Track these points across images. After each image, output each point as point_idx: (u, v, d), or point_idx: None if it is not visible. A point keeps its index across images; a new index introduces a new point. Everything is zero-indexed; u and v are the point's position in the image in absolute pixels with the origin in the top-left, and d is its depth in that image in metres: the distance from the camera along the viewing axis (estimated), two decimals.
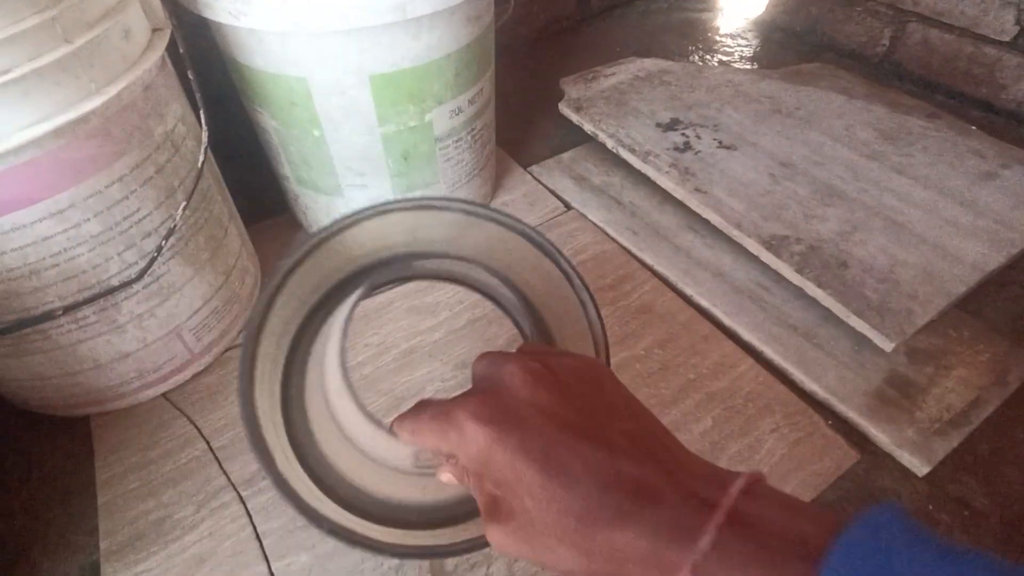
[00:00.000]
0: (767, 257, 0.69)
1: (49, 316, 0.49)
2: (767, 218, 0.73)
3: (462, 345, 0.67)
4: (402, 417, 0.29)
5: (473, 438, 0.24)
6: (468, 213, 0.37)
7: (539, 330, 0.40)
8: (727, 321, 0.68)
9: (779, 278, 0.70)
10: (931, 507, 0.54)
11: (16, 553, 0.52)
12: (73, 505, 0.55)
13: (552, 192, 0.87)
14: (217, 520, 0.53)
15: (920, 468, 0.55)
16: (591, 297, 0.38)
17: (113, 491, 0.55)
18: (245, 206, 0.70)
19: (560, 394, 0.25)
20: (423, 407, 0.28)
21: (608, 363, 0.36)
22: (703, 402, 0.61)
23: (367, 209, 0.35)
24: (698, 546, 0.20)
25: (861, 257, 0.68)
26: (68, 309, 0.49)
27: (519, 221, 0.37)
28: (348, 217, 0.35)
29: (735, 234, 0.72)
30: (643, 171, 0.82)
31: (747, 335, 0.66)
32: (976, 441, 0.57)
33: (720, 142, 0.86)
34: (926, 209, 0.74)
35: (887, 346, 0.60)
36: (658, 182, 0.81)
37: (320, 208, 0.73)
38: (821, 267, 0.67)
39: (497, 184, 0.87)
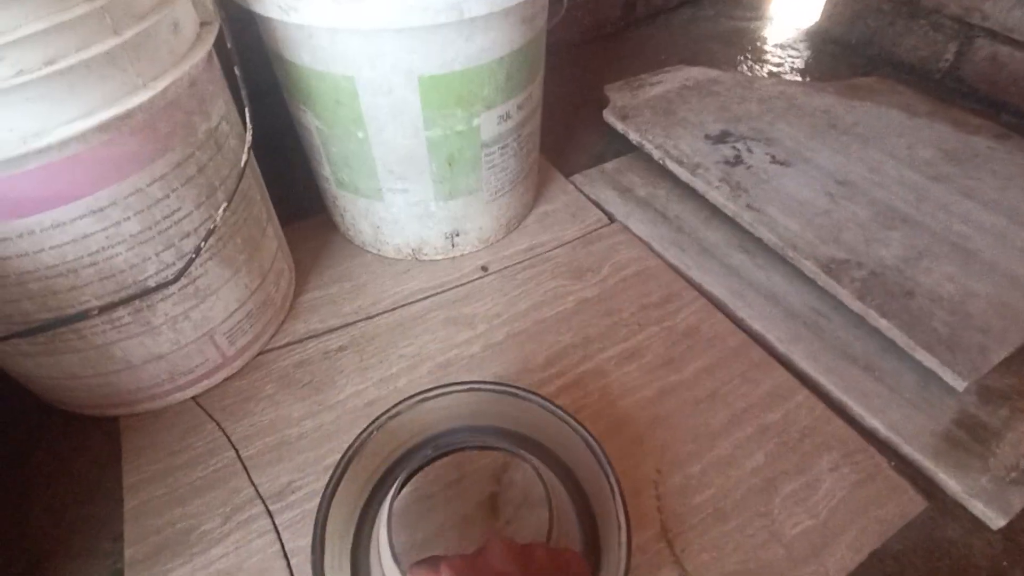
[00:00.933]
0: (825, 281, 0.65)
1: (85, 316, 0.47)
2: (824, 240, 0.69)
3: (500, 360, 0.64)
4: (414, 569, 0.32)
5: None
6: (516, 396, 0.51)
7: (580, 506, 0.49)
8: (781, 348, 0.64)
9: (837, 304, 0.66)
10: (1006, 563, 0.50)
11: (38, 557, 0.51)
12: (99, 509, 0.53)
13: (595, 203, 0.84)
14: (244, 534, 0.51)
15: (995, 520, 0.51)
16: (623, 499, 0.45)
17: (139, 496, 0.53)
18: (281, 206, 0.69)
19: (523, 572, 0.29)
20: (431, 561, 0.32)
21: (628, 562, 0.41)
22: (755, 435, 0.57)
23: (431, 390, 0.51)
24: None
25: (928, 286, 0.64)
26: (104, 309, 0.48)
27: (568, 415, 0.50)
28: (411, 398, 0.50)
29: (790, 255, 0.68)
30: (691, 184, 0.79)
31: (802, 364, 0.63)
32: None
33: (773, 157, 0.82)
34: (997, 236, 0.70)
35: (959, 385, 0.56)
36: (707, 196, 0.77)
37: (359, 211, 0.71)
38: (885, 295, 0.63)
39: (539, 193, 0.84)
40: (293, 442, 0.57)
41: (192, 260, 0.50)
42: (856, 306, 0.63)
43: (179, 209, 0.48)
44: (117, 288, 0.48)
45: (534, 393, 0.51)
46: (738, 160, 0.81)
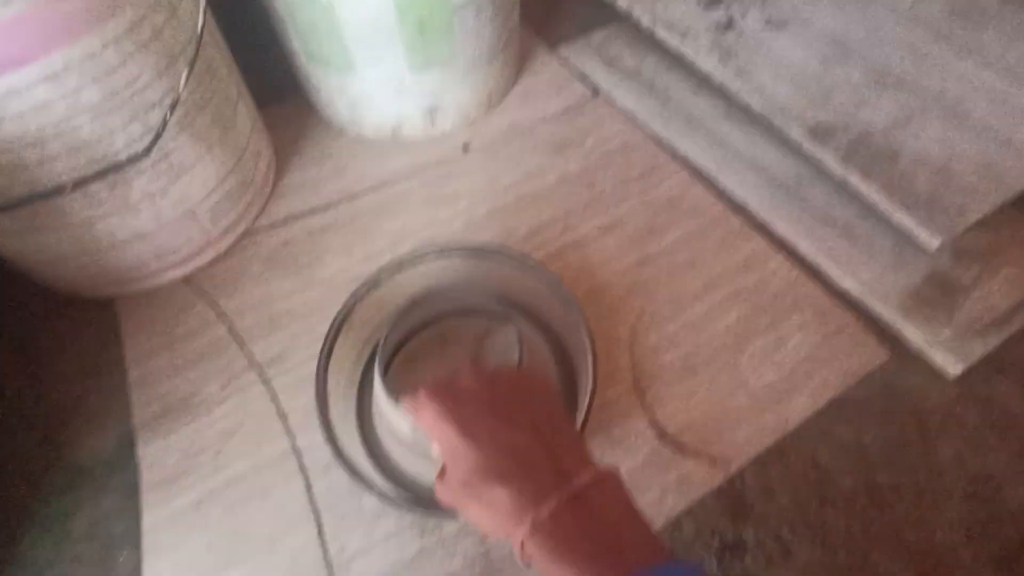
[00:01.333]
0: (811, 147, 0.64)
1: (59, 191, 0.47)
2: (814, 104, 0.67)
3: (481, 235, 0.64)
4: (402, 399, 0.36)
5: (426, 410, 0.32)
6: (484, 252, 0.53)
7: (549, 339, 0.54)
8: (761, 215, 0.65)
9: (821, 171, 0.65)
10: (959, 408, 0.53)
11: (57, 423, 0.54)
12: (105, 380, 0.57)
13: (580, 75, 0.80)
14: (242, 398, 0.54)
15: (952, 369, 0.53)
16: (588, 327, 0.48)
17: (142, 368, 0.56)
18: (256, 89, 0.66)
19: (491, 387, 0.32)
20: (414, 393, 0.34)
21: (595, 384, 0.45)
22: (729, 298, 0.59)
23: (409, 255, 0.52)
24: (540, 510, 0.27)
25: (915, 148, 0.63)
26: (78, 184, 0.48)
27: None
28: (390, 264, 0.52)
29: (777, 122, 0.67)
30: (680, 52, 0.75)
31: (781, 230, 0.63)
32: (1017, 344, 0.55)
33: (768, 19, 0.77)
34: (994, 97, 0.67)
35: (933, 244, 0.56)
36: (696, 64, 0.74)
37: (332, 88, 0.68)
38: (869, 158, 0.62)
39: (521, 66, 0.81)
40: (283, 315, 0.59)
41: (160, 133, 0.50)
42: (839, 170, 0.62)
43: (139, 77, 0.47)
44: (88, 162, 0.48)
45: (500, 248, 0.53)
46: (730, 24, 0.77)
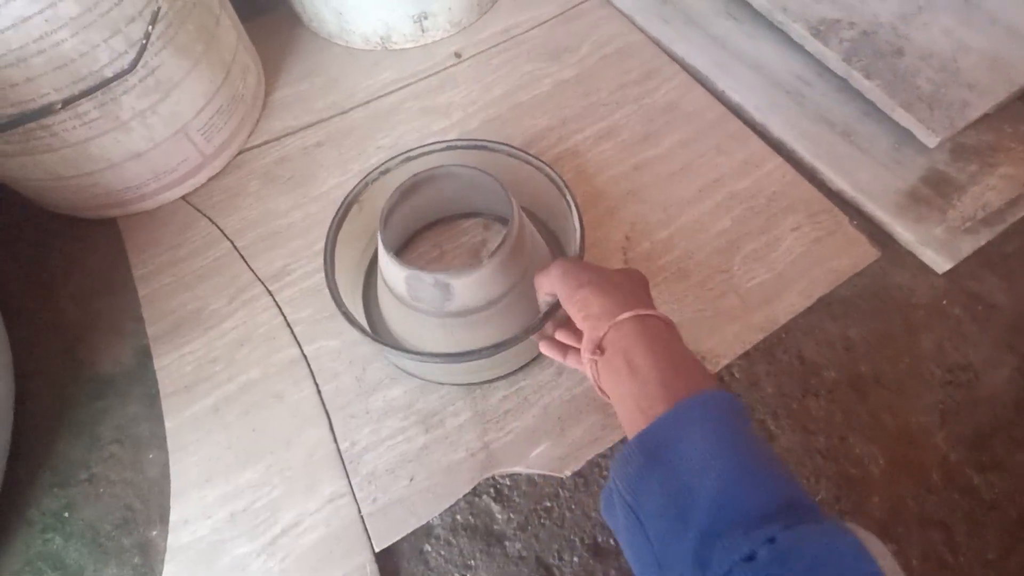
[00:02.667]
0: (813, 45, 0.62)
1: (49, 110, 0.47)
2: None
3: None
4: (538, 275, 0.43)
5: (555, 269, 0.40)
6: (487, 149, 0.54)
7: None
8: (758, 117, 0.63)
9: (823, 70, 0.63)
10: (945, 302, 0.54)
11: (74, 338, 0.57)
12: (117, 297, 0.59)
13: None
14: (250, 310, 0.56)
15: (941, 265, 0.54)
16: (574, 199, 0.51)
17: (150, 285, 0.58)
18: (237, 1, 0.64)
19: (594, 269, 0.40)
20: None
21: (583, 247, 0.50)
22: (723, 202, 0.59)
23: (414, 149, 0.53)
24: (620, 317, 0.35)
25: (921, 43, 0.60)
26: (67, 102, 0.48)
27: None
28: (396, 157, 0.53)
29: (779, 19, 0.64)
30: None
31: (778, 132, 0.62)
32: (1006, 240, 0.56)
33: None
34: None
35: (931, 141, 0.55)
36: None
37: None
38: (872, 55, 0.60)
39: None
40: (283, 231, 0.60)
41: (144, 47, 0.49)
42: (841, 68, 0.60)
43: None
44: (74, 79, 0.47)
45: (503, 144, 0.53)
46: None
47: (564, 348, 0.46)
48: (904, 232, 0.56)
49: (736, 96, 0.65)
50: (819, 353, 0.52)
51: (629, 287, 0.38)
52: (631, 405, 0.32)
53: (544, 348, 0.46)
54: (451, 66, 0.70)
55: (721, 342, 0.52)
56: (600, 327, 0.35)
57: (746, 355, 0.52)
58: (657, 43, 0.70)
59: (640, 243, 0.57)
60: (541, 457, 0.48)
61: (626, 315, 0.35)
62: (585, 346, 0.36)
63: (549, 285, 0.41)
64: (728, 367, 0.52)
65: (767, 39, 0.68)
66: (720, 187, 0.60)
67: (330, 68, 0.71)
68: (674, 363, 0.33)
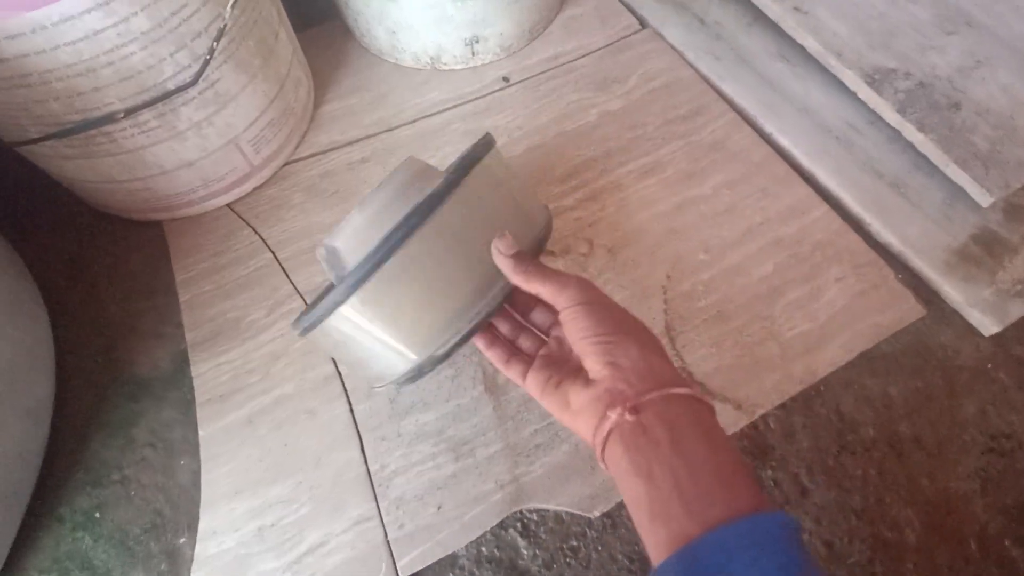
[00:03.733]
0: (866, 93, 0.62)
1: (111, 118, 0.48)
2: (874, 46, 0.63)
3: (519, 173, 0.64)
4: (523, 258, 0.37)
5: (575, 287, 0.35)
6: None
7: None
8: (806, 163, 0.63)
9: (875, 118, 0.63)
10: (990, 366, 0.53)
11: (114, 339, 0.58)
12: (158, 301, 0.60)
13: (627, 6, 0.77)
14: (287, 323, 0.57)
15: (988, 328, 0.53)
16: None
17: (191, 291, 0.59)
18: (293, 11, 0.65)
19: (628, 315, 0.36)
20: (537, 263, 0.37)
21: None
22: (767, 247, 0.58)
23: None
24: (673, 390, 0.31)
25: (979, 98, 0.60)
26: (129, 112, 0.49)
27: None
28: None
29: (832, 64, 0.64)
30: None
31: (826, 179, 0.62)
32: None
33: None
34: None
35: (984, 200, 0.55)
36: None
37: (372, 14, 0.67)
38: (928, 108, 0.59)
39: None
40: None
41: (207, 61, 0.50)
42: (894, 119, 0.60)
43: (186, 5, 0.47)
44: (138, 90, 0.48)
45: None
46: None
47: (510, 350, 0.41)
48: (951, 291, 0.55)
49: (784, 139, 0.64)
50: (858, 409, 0.51)
51: (664, 355, 0.34)
52: (670, 494, 0.27)
53: (482, 342, 0.41)
54: (498, 90, 0.71)
55: (759, 391, 0.51)
56: (638, 385, 0.31)
57: (783, 406, 0.51)
58: (706, 80, 0.70)
59: (681, 283, 0.57)
60: (570, 495, 0.48)
61: (680, 390, 0.30)
62: (610, 398, 0.31)
63: (550, 295, 0.35)
64: (764, 416, 0.51)
65: (819, 83, 0.67)
66: (765, 231, 0.59)
67: (379, 84, 0.72)
68: (733, 462, 0.28)
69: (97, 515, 0.50)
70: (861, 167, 0.62)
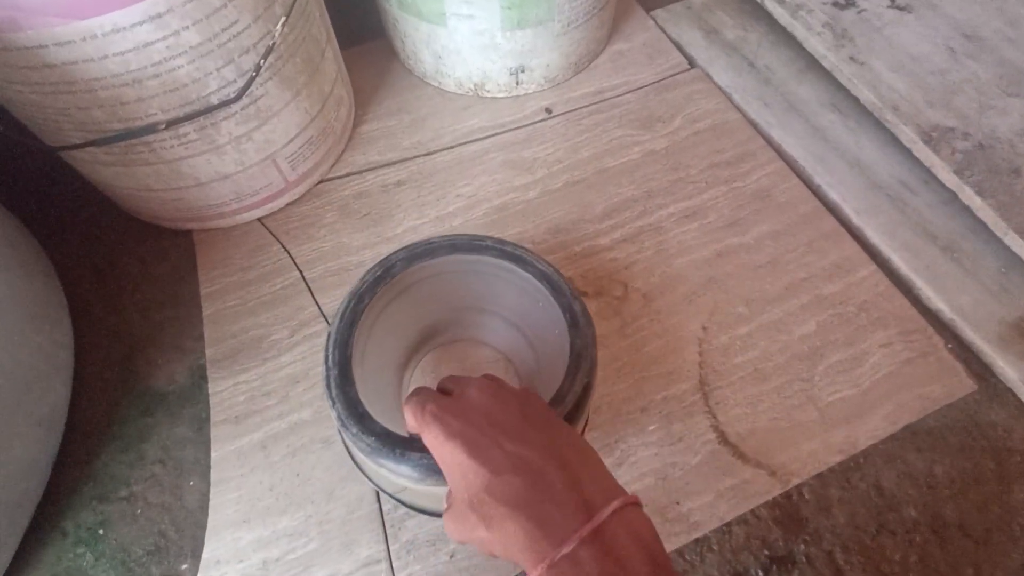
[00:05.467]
0: (922, 152, 0.59)
1: (153, 129, 0.48)
2: (933, 103, 0.61)
3: (556, 208, 0.63)
4: (408, 399, 0.33)
5: (431, 428, 0.30)
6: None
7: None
8: (855, 219, 0.61)
9: (930, 178, 0.60)
10: None
11: (133, 348, 0.57)
12: (182, 312, 0.59)
13: (676, 44, 0.76)
14: (310, 346, 0.55)
15: None
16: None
17: (216, 305, 0.58)
18: (339, 29, 0.65)
19: (503, 403, 0.31)
20: (416, 394, 0.33)
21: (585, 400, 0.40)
22: (810, 304, 0.56)
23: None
24: (560, 550, 0.24)
25: None
26: (171, 124, 0.48)
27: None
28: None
29: (888, 119, 0.62)
30: (789, 29, 0.70)
31: (875, 238, 0.59)
32: None
33: (892, 1, 0.70)
34: None
35: None
36: (805, 44, 0.68)
37: (420, 37, 0.66)
38: (987, 171, 0.57)
39: (614, 28, 0.77)
40: (353, 269, 0.60)
41: (253, 78, 0.49)
42: (951, 180, 0.57)
43: (237, 21, 0.46)
44: (181, 103, 0.48)
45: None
46: (850, 2, 0.70)
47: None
48: (1006, 367, 0.52)
49: (833, 193, 0.62)
50: (899, 487, 0.49)
51: (547, 456, 0.28)
52: None
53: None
54: (540, 121, 0.70)
55: (795, 458, 0.49)
56: (532, 572, 0.25)
57: (819, 476, 0.49)
58: (754, 125, 0.68)
59: (718, 336, 0.54)
60: None
61: (562, 550, 0.24)
62: (542, 548, 0.25)
63: (415, 425, 0.32)
64: (799, 486, 0.48)
65: (872, 138, 0.65)
66: (808, 288, 0.57)
67: (420, 107, 0.71)
68: None
69: (101, 532, 0.49)
70: (913, 228, 0.59)
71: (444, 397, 0.32)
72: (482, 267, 0.45)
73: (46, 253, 0.58)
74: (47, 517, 0.49)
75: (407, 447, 0.36)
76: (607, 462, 0.48)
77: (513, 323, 0.49)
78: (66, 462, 0.51)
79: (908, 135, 0.60)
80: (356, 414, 0.38)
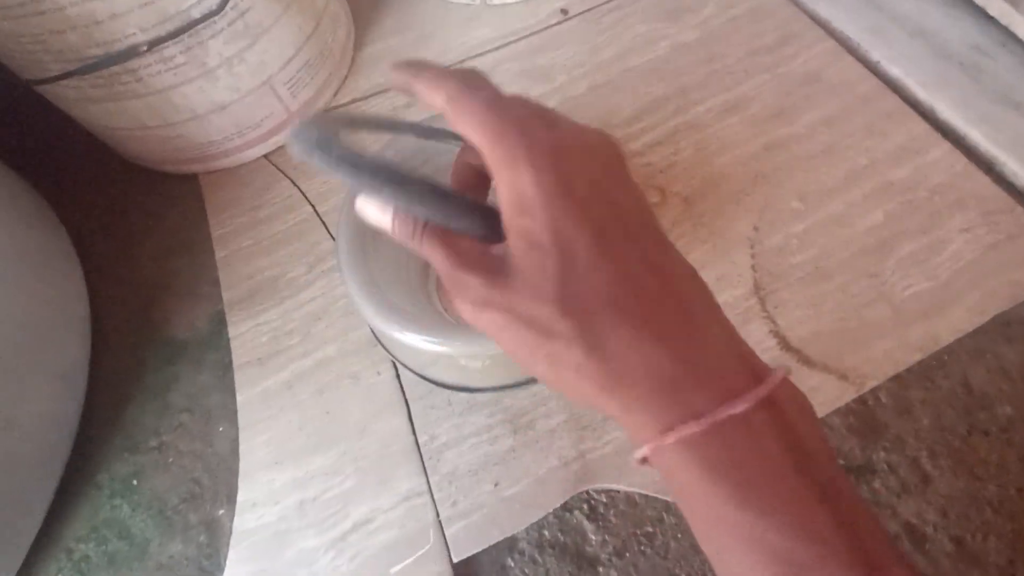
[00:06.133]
0: (998, 8, 0.51)
1: (135, 51, 0.44)
2: None
3: (581, 115, 0.56)
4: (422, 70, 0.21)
5: (529, 167, 0.18)
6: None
7: None
8: (922, 95, 0.53)
9: (1008, 39, 0.52)
10: None
11: (149, 298, 0.55)
12: (195, 258, 0.56)
13: None
14: (328, 281, 0.52)
15: None
16: None
17: (228, 247, 0.55)
18: None
19: (622, 185, 0.20)
20: (472, 79, 0.21)
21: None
22: (875, 193, 0.50)
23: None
24: (727, 408, 0.17)
25: None
26: (152, 44, 0.44)
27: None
28: None
29: None
30: None
31: (948, 113, 0.52)
32: None
33: None
34: None
35: None
36: None
37: None
38: None
39: None
40: None
41: None
42: None
43: None
44: (160, 19, 0.43)
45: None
46: None
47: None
48: None
49: (895, 68, 0.55)
50: (990, 382, 0.43)
51: (678, 261, 0.19)
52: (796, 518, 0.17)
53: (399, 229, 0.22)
54: (555, 24, 0.63)
55: (867, 360, 0.44)
56: (667, 435, 0.18)
57: (897, 377, 0.44)
58: (797, 3, 0.61)
59: (770, 236, 0.49)
60: (644, 474, 0.42)
61: (783, 370, 0.19)
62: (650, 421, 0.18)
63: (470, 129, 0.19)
64: (874, 390, 0.43)
65: (937, 1, 0.57)
66: (871, 175, 0.50)
67: (424, 22, 0.65)
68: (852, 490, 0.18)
69: (135, 482, 0.47)
70: (992, 97, 0.52)
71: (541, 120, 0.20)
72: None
73: (53, 209, 0.56)
74: (80, 471, 0.48)
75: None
76: None
77: None
78: (94, 416, 0.50)
79: None
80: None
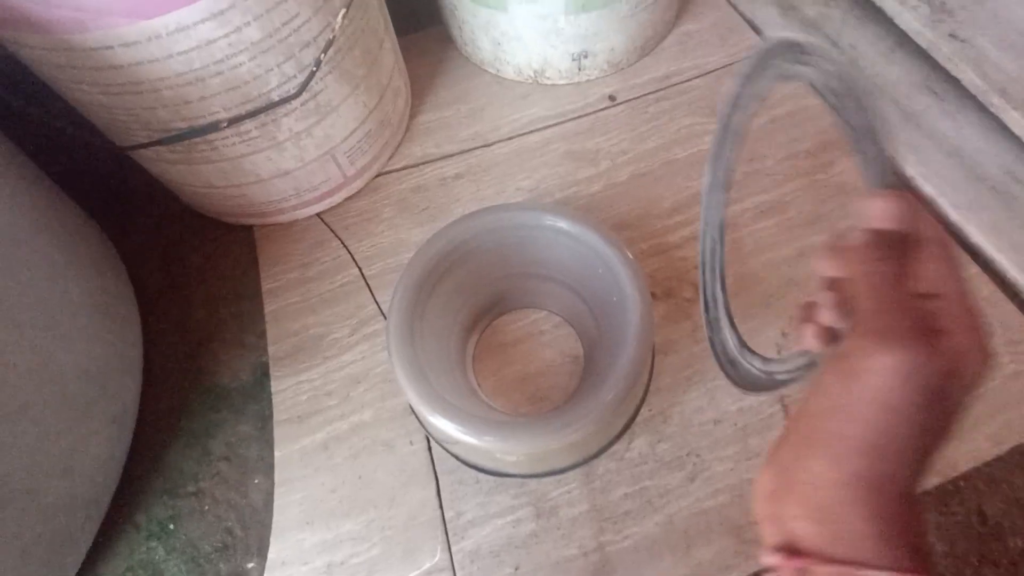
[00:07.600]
0: None
1: (215, 127, 0.47)
2: None
3: (621, 202, 0.60)
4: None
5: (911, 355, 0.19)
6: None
7: None
8: (954, 216, 0.55)
9: None
10: None
11: (198, 343, 0.58)
12: (244, 307, 0.59)
13: (749, 23, 0.70)
14: (370, 345, 0.55)
15: None
16: None
17: (277, 302, 0.58)
18: (395, 16, 0.63)
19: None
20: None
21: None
22: None
23: None
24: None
25: None
26: (232, 121, 0.48)
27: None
28: None
29: (994, 102, 0.56)
30: (877, 2, 0.64)
31: (978, 236, 0.54)
32: None
33: None
34: None
35: None
36: (897, 20, 0.62)
37: (479, 23, 0.64)
38: None
39: (682, 8, 0.72)
40: None
41: (313, 73, 0.48)
42: None
43: (297, 15, 0.45)
44: (243, 100, 0.47)
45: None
46: None
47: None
48: None
49: (928, 186, 0.57)
50: (1005, 514, 0.44)
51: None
52: None
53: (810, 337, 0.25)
54: (603, 109, 0.66)
55: None
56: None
57: None
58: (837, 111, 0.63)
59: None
60: (660, 572, 0.44)
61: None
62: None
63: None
64: None
65: (974, 123, 0.59)
66: None
67: (478, 96, 0.69)
68: None
69: (171, 526, 0.50)
70: (1022, 225, 0.54)
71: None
72: (539, 233, 0.46)
73: (115, 244, 0.59)
74: (120, 509, 0.50)
75: None
76: (678, 476, 0.46)
77: (574, 289, 0.50)
78: (136, 456, 0.52)
79: (1018, 120, 0.54)
80: None
